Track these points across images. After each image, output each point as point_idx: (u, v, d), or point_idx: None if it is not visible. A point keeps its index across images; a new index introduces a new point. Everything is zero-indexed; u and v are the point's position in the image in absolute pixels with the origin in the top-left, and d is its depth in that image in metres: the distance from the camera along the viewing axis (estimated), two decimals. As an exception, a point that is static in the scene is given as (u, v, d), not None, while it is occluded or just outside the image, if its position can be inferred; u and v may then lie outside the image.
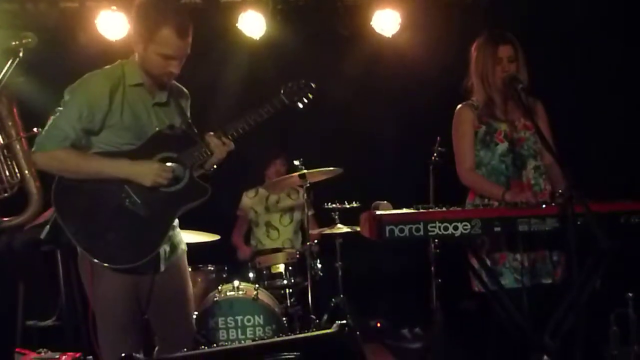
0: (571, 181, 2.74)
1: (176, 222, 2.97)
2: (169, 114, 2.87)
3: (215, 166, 2.87)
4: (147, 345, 3.01)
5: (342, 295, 4.78)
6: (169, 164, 2.75)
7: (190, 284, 3.05)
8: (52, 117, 2.72)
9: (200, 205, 2.83)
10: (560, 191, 2.89)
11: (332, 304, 4.80)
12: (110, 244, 2.67)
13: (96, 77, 2.77)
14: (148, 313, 2.92)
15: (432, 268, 4.64)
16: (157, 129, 2.79)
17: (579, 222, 2.71)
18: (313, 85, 2.96)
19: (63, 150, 2.66)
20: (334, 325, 3.67)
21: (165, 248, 2.86)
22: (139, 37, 2.71)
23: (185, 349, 2.65)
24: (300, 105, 2.93)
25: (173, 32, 2.64)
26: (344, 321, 3.88)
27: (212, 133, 2.82)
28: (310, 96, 2.94)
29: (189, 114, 2.98)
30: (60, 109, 2.72)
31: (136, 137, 2.76)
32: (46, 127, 2.71)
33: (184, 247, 3.03)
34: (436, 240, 4.46)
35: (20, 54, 3.02)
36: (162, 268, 2.84)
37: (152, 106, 2.82)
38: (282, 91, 2.90)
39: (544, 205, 2.86)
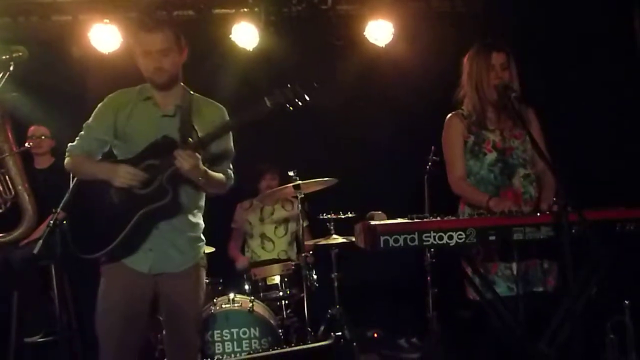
0: (565, 189, 2.74)
1: (200, 234, 3.13)
2: (175, 125, 3.00)
3: (200, 177, 2.90)
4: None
5: (338, 306, 4.76)
6: (130, 169, 2.90)
7: (200, 298, 3.13)
8: None
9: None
10: (555, 199, 2.89)
11: (329, 315, 4.77)
12: (84, 235, 2.95)
13: (109, 96, 3.09)
14: (162, 321, 3.10)
15: (428, 278, 4.63)
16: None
17: (573, 231, 2.70)
18: (312, 85, 2.91)
19: (76, 157, 3.07)
20: (330, 337, 3.68)
21: (162, 251, 2.97)
22: (135, 55, 2.99)
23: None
24: (291, 108, 2.91)
25: (144, 29, 2.95)
26: (340, 333, 3.91)
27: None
28: (305, 97, 2.90)
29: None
30: None
31: (141, 148, 2.96)
32: None
33: (201, 261, 3.13)
34: (432, 250, 4.45)
35: (11, 68, 3.01)
36: (147, 270, 2.96)
37: (160, 117, 3.02)
38: (267, 96, 2.92)
39: (538, 214, 2.87)
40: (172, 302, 3.02)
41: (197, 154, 2.84)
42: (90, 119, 3.09)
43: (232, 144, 3.15)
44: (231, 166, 3.17)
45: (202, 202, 3.16)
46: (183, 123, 2.98)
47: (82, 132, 3.09)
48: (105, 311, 2.97)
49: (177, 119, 3.01)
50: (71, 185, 3.08)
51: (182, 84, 3.09)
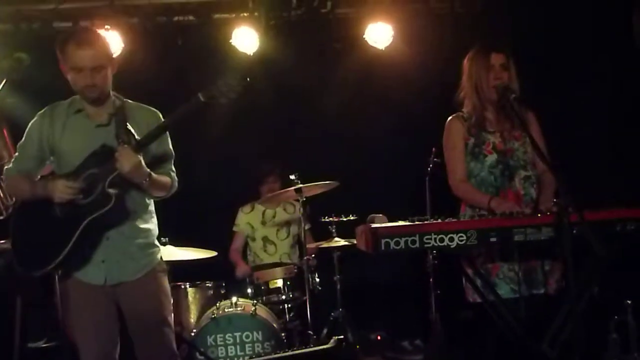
0: (566, 189, 2.74)
1: (153, 240, 3.06)
2: (111, 133, 2.91)
3: (145, 180, 2.85)
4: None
5: (341, 309, 4.77)
6: (68, 182, 2.84)
7: (165, 304, 3.04)
8: None
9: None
10: (555, 200, 2.90)
11: (331, 318, 4.78)
12: (31, 252, 2.94)
13: (39, 113, 3.02)
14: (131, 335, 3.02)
15: (431, 279, 4.63)
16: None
17: (574, 231, 2.71)
18: (244, 78, 2.82)
19: (13, 178, 3.04)
20: (333, 340, 3.68)
21: (114, 260, 2.92)
22: (61, 64, 2.90)
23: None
24: (225, 101, 2.82)
25: (74, 45, 2.84)
26: (343, 336, 3.91)
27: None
28: (237, 91, 2.80)
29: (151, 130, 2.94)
30: None
31: (79, 160, 2.90)
32: None
33: (157, 266, 3.05)
34: (434, 252, 4.45)
35: (15, 74, 3.02)
36: (105, 281, 2.92)
37: (95, 128, 2.96)
38: (200, 91, 2.84)
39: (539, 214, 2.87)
40: (134, 312, 2.96)
41: (137, 154, 2.79)
42: (23, 138, 3.03)
43: (170, 145, 3.09)
44: (174, 169, 3.11)
45: (152, 207, 3.09)
46: (119, 129, 2.88)
47: (17, 154, 3.04)
48: (74, 327, 2.99)
49: (112, 127, 2.92)
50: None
51: (112, 92, 3.01)
